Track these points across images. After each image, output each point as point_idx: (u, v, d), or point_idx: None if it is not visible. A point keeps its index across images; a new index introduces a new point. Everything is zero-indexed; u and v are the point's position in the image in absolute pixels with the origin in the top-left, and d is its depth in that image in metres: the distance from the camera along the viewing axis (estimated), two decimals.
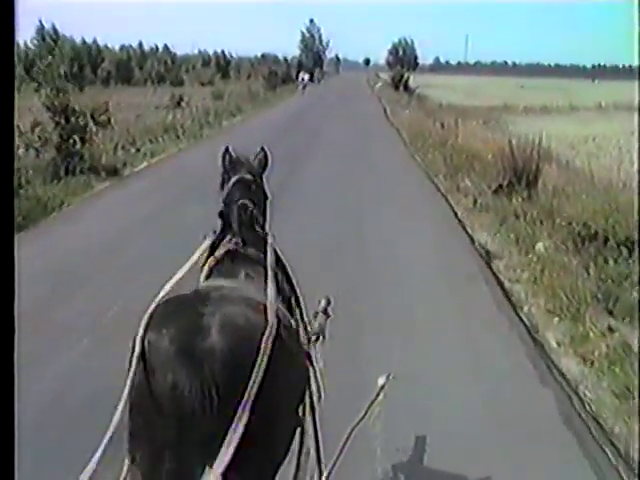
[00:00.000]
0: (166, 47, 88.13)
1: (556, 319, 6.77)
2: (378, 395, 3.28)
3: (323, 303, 3.49)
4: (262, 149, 3.52)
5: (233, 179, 3.27)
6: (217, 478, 1.91)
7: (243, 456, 2.02)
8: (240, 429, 1.99)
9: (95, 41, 72.74)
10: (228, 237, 3.06)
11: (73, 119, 13.90)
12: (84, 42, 70.49)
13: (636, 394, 5.07)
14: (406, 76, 63.06)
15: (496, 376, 5.52)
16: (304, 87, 56.87)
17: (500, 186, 12.51)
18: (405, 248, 9.32)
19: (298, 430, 2.77)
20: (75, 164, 13.50)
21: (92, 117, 21.20)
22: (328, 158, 17.73)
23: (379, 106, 41.03)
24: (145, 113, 27.84)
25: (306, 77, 61.37)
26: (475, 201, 12.04)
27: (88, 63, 65.78)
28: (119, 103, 34.82)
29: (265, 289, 2.55)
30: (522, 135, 25.23)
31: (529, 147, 13.12)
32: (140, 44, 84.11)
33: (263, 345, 2.16)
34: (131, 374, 2.16)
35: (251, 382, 2.07)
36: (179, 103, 31.69)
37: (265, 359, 2.13)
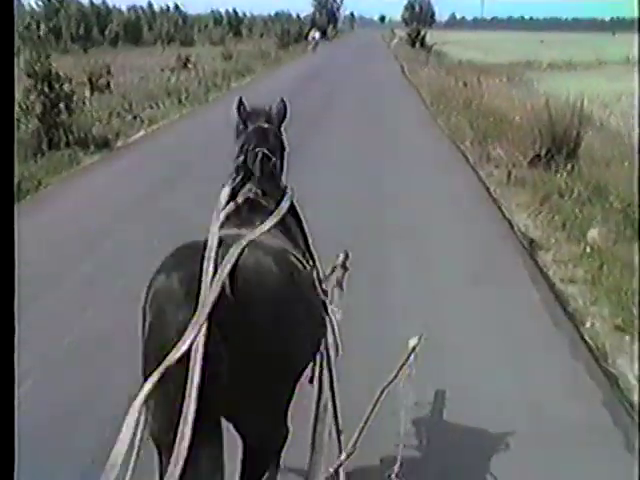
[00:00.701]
0: (177, 7, 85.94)
1: (627, 338, 5.38)
2: (409, 356, 3.06)
3: (341, 257, 3.58)
4: (281, 100, 3.42)
5: (251, 127, 3.21)
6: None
7: (250, 396, 2.27)
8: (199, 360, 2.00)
9: (104, 2, 70.94)
10: (248, 186, 2.99)
11: (57, 86, 12.42)
12: (92, 3, 68.71)
13: None
14: (423, 32, 61.09)
15: (566, 441, 4.03)
16: (315, 46, 52.80)
17: (537, 156, 11.03)
18: (432, 236, 7.93)
19: (316, 384, 2.91)
20: (60, 136, 12.14)
21: (90, 81, 19.91)
22: (344, 124, 16.18)
23: (396, 64, 39.00)
24: (149, 76, 26.29)
25: (317, 35, 55.79)
26: (509, 174, 10.56)
27: (96, 25, 64.18)
28: (124, 65, 33.49)
29: (283, 237, 2.76)
30: (550, 92, 23.77)
31: (568, 109, 11.64)
32: (150, 4, 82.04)
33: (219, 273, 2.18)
34: (144, 318, 2.28)
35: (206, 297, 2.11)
36: (185, 64, 29.97)
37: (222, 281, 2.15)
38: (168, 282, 2.22)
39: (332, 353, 2.90)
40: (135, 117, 15.74)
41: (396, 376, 3.10)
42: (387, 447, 3.30)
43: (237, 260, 2.23)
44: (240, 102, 3.28)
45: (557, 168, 10.46)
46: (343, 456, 2.74)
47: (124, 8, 73.47)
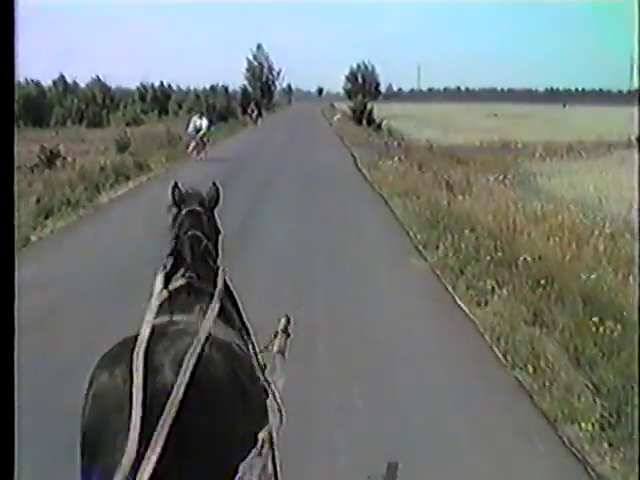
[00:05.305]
0: (99, 79, 77.02)
1: None
2: None
3: (283, 322, 3.48)
4: (214, 184, 3.39)
5: (184, 210, 3.17)
6: None
7: None
8: (155, 456, 1.94)
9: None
10: (181, 271, 2.91)
11: None
12: None
13: None
14: (370, 107, 53.83)
15: None
16: (199, 147, 26.41)
17: None
18: None
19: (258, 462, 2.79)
20: None
21: None
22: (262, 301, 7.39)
23: (345, 152, 29.75)
24: None
25: (204, 123, 27.53)
26: None
27: None
28: None
29: (222, 323, 2.69)
30: (579, 199, 16.03)
31: None
32: (62, 77, 73.27)
33: (185, 362, 2.14)
34: (85, 415, 2.19)
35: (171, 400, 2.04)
36: (51, 160, 20.35)
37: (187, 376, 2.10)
38: (109, 381, 2.17)
39: (275, 446, 2.67)
40: None
41: None
42: None
43: (196, 363, 2.16)
44: (175, 186, 3.22)
45: None
46: None
47: (28, 80, 64.60)
